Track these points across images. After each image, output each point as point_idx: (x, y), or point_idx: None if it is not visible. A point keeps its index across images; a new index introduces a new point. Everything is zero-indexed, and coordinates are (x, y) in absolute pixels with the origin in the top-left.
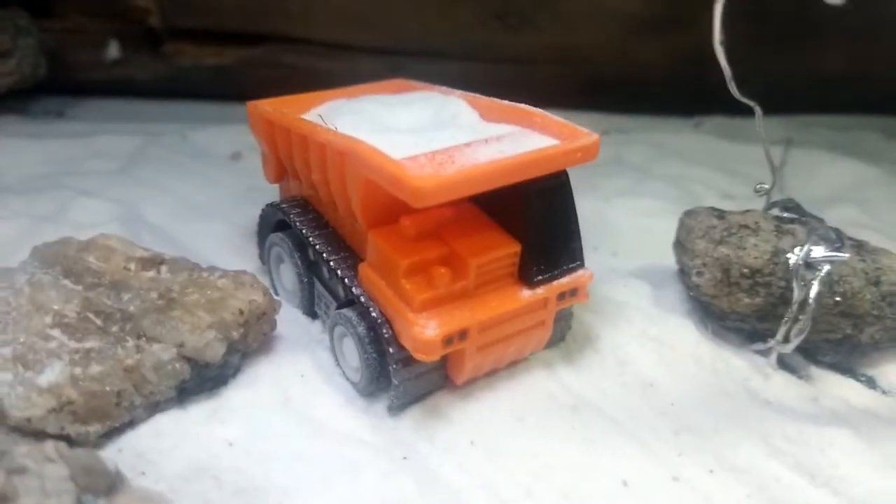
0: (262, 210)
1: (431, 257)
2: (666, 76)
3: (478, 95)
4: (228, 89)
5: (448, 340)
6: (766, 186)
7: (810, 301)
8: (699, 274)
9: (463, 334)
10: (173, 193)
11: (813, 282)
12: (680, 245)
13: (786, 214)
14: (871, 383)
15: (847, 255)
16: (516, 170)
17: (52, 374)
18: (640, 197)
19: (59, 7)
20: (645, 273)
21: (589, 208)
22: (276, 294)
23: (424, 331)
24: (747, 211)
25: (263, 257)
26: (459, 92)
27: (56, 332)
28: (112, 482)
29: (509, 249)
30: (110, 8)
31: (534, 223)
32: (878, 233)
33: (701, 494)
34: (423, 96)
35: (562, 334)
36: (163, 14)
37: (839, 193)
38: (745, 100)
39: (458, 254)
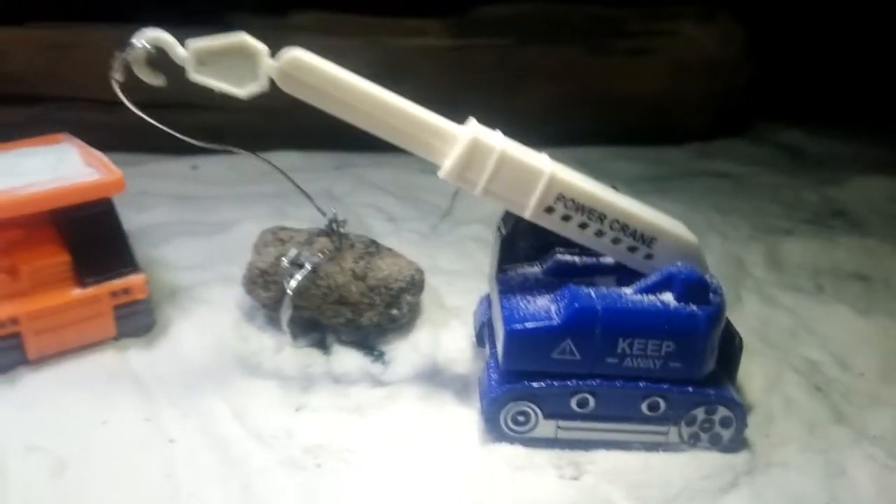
0: None
1: None
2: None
3: (91, 150)
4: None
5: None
6: (335, 210)
7: (288, 291)
8: (244, 276)
9: (14, 320)
10: None
11: (294, 277)
12: None
13: (331, 228)
14: (378, 357)
15: (319, 259)
16: (26, 203)
17: None
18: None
19: None
20: None
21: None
22: None
23: None
24: (305, 228)
25: None
26: (84, 146)
27: None
28: None
29: (58, 259)
30: None
31: (77, 239)
32: (481, 242)
33: (166, 429)
34: (58, 148)
35: (145, 325)
36: None
37: (481, 214)
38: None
39: (14, 264)
